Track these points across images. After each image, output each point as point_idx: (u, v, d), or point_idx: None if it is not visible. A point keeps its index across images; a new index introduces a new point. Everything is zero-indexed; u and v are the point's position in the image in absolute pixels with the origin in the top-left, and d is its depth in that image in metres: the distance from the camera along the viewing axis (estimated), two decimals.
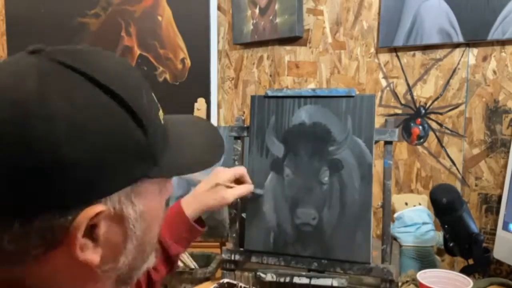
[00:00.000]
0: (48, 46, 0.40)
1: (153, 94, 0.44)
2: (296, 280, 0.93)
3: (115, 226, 0.41)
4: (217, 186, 0.89)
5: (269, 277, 0.94)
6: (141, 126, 0.40)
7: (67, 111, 0.36)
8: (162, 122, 0.45)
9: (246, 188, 0.93)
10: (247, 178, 0.94)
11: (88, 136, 0.36)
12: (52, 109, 0.35)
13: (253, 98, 1.03)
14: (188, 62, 1.61)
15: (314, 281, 0.92)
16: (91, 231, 0.39)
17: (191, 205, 0.87)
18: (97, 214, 0.38)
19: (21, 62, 0.39)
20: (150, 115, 0.42)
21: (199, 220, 0.89)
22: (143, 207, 0.43)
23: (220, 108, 1.64)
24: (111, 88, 0.38)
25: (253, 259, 0.99)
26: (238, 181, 0.94)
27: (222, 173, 0.91)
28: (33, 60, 0.38)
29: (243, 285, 0.87)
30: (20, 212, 0.36)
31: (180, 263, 1.06)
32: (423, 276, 0.84)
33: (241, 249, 1.00)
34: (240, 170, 0.94)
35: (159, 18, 1.65)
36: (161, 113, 0.45)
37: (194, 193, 0.90)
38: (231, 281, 0.88)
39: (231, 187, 0.91)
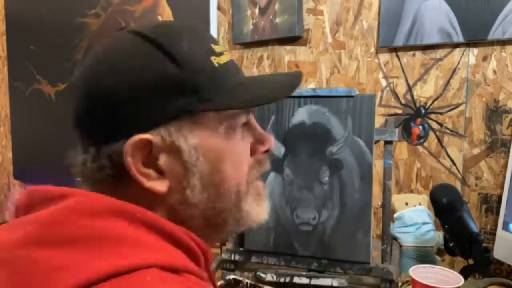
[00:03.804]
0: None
1: (208, 43, 0.50)
2: (296, 280, 0.93)
3: (173, 158, 0.47)
4: None
5: (269, 277, 0.94)
6: (176, 63, 0.46)
7: (103, 54, 0.48)
8: (216, 66, 0.48)
9: None
10: None
11: (124, 74, 0.46)
12: (93, 54, 0.49)
13: None
14: None
15: (314, 281, 0.92)
16: (153, 163, 0.46)
17: None
18: (143, 142, 0.45)
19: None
20: (191, 58, 0.47)
21: None
22: (198, 141, 0.47)
23: None
24: (152, 37, 0.47)
25: (253, 259, 0.99)
26: None
27: None
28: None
29: (249, 281, 0.87)
30: (93, 139, 0.47)
31: None
32: (416, 271, 0.83)
33: (241, 249, 1.00)
34: None
35: (159, 18, 1.65)
36: (218, 58, 0.49)
37: None
38: (237, 277, 0.88)
39: None
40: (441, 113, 1.17)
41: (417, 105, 1.21)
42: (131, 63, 0.46)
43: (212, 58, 0.48)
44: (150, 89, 0.45)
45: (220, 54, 0.50)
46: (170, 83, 0.45)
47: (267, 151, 0.55)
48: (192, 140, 0.47)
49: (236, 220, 0.52)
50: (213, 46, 0.50)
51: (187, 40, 0.48)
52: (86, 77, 0.48)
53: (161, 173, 0.47)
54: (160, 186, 0.46)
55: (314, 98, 0.97)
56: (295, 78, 0.55)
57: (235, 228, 0.53)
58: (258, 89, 0.52)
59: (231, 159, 0.50)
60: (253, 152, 0.54)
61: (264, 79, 0.56)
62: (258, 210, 0.54)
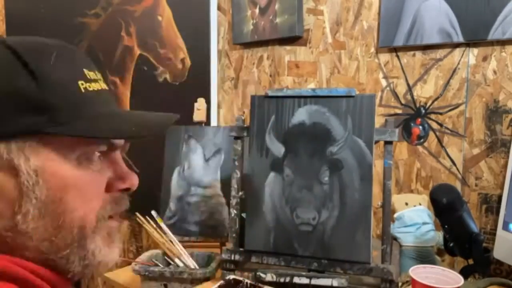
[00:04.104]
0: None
1: (81, 67, 0.48)
2: (296, 280, 0.93)
3: (8, 177, 0.42)
4: None
5: (269, 277, 0.94)
6: (34, 78, 0.43)
7: None
8: (83, 91, 0.46)
9: None
10: None
11: None
12: None
13: (253, 98, 1.03)
14: (188, 62, 1.61)
15: (314, 281, 0.92)
16: None
17: None
18: None
19: None
20: (53, 76, 0.44)
21: None
22: (41, 164, 0.43)
23: (220, 108, 1.64)
24: (14, 48, 0.44)
25: (253, 259, 0.99)
26: None
27: None
28: None
29: (249, 281, 0.87)
30: None
31: (180, 263, 1.06)
32: (416, 271, 0.83)
33: (241, 249, 1.00)
34: None
35: (159, 18, 1.65)
36: (87, 84, 0.47)
37: None
38: (237, 277, 0.88)
39: None
40: (441, 113, 1.17)
41: (417, 105, 1.21)
42: None
43: (80, 82, 0.46)
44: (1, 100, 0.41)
45: (91, 80, 0.48)
46: (21, 97, 0.42)
47: (127, 189, 0.50)
48: (35, 162, 0.43)
49: (80, 259, 0.46)
50: (86, 71, 0.48)
51: (55, 58, 0.45)
52: None
53: None
54: None
55: (314, 98, 0.97)
56: (169, 119, 0.53)
57: (81, 269, 0.47)
58: (124, 122, 0.49)
59: (79, 189, 0.45)
60: (110, 188, 0.49)
61: (135, 115, 0.53)
62: (106, 252, 0.48)
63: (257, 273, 0.95)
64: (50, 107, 0.43)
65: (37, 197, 0.43)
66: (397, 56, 1.23)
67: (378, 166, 1.21)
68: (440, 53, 1.16)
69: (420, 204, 1.12)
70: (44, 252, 0.44)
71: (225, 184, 1.25)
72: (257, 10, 1.46)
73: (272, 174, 0.99)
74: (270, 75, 1.49)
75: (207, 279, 1.02)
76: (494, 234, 1.01)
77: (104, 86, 0.50)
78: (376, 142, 0.97)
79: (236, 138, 1.04)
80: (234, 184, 1.03)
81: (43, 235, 0.44)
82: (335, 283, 0.90)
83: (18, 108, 0.42)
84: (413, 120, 1.22)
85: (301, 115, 0.98)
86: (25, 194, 0.43)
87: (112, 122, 0.48)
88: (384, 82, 1.26)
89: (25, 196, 0.43)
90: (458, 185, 1.15)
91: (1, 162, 0.42)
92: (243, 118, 1.06)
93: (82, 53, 0.51)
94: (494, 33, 1.05)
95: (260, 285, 0.85)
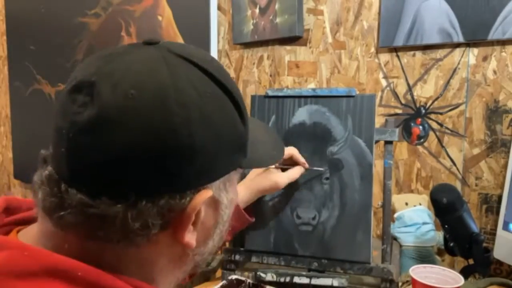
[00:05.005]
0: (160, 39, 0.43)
1: None
2: (296, 280, 0.93)
3: (211, 211, 0.45)
4: (268, 170, 0.86)
5: (269, 277, 0.94)
6: (242, 120, 0.44)
7: (198, 101, 0.40)
8: None
9: (298, 170, 0.89)
10: (299, 158, 0.90)
11: (212, 125, 0.40)
12: (186, 97, 0.39)
13: (253, 98, 1.03)
14: None
15: (314, 281, 0.92)
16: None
17: (241, 192, 0.83)
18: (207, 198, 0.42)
19: (143, 52, 0.41)
20: (246, 111, 0.46)
21: (249, 211, 0.87)
22: (232, 194, 0.47)
23: None
24: (224, 85, 0.42)
25: (253, 259, 0.99)
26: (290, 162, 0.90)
27: None
28: (154, 51, 0.41)
29: (251, 281, 0.87)
30: (148, 191, 0.38)
31: None
32: (416, 271, 0.83)
33: (241, 249, 1.00)
34: (290, 151, 0.90)
35: (159, 18, 1.65)
36: None
37: (245, 181, 0.87)
38: (240, 277, 0.88)
39: (283, 170, 0.87)
40: (441, 113, 1.17)
41: (417, 105, 1.21)
42: (213, 114, 0.41)
43: None
44: (225, 143, 0.42)
45: None
46: (238, 141, 0.44)
47: None
48: (230, 193, 0.46)
49: (205, 262, 0.52)
50: None
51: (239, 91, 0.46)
52: (147, 114, 0.37)
53: (194, 225, 0.43)
54: (193, 240, 0.43)
55: (314, 98, 0.97)
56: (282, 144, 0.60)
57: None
58: (264, 149, 0.54)
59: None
60: None
61: (257, 137, 0.54)
62: None
63: (257, 273, 0.95)
64: (246, 145, 0.46)
65: (223, 222, 0.47)
66: (397, 56, 1.23)
67: (378, 166, 1.21)
68: (440, 53, 1.16)
69: (420, 204, 1.13)
70: (199, 262, 0.48)
71: None
72: (257, 10, 1.46)
73: None
74: (270, 75, 1.49)
75: (207, 279, 1.02)
76: (494, 234, 1.01)
77: None
78: (376, 142, 0.97)
79: None
80: None
81: (212, 250, 0.49)
82: (335, 283, 0.90)
83: (235, 149, 0.44)
84: (413, 120, 1.22)
85: (302, 115, 0.98)
86: (219, 222, 0.47)
87: (264, 147, 0.52)
88: (384, 82, 1.26)
89: (218, 224, 0.47)
90: (458, 185, 1.15)
91: (210, 199, 0.43)
92: None
93: None
94: (494, 33, 1.05)
95: (262, 285, 0.85)
